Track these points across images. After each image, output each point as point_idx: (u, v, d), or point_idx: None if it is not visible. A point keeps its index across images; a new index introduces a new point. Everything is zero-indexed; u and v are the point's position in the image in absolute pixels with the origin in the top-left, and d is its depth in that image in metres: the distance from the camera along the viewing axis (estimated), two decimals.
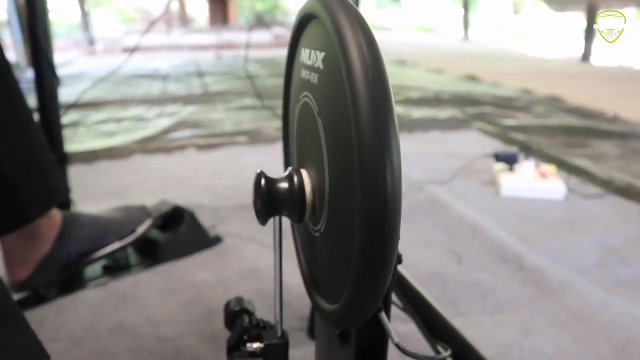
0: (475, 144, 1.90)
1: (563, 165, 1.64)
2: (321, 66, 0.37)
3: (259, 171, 0.41)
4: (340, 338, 0.43)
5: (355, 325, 0.40)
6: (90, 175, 1.61)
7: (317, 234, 0.41)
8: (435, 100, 2.73)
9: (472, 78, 3.53)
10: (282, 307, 0.47)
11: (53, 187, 0.90)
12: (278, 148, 1.85)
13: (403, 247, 1.17)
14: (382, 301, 0.41)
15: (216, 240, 1.11)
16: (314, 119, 0.39)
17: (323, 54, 0.36)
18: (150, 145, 1.90)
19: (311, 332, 0.82)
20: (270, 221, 0.43)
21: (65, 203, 1.07)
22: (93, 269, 1.02)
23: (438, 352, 0.51)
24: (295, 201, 0.40)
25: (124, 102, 2.70)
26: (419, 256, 1.07)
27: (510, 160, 1.49)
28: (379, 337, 0.44)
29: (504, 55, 5.31)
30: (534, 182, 1.41)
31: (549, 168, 1.47)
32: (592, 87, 3.27)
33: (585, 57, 4.55)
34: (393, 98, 0.31)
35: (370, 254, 0.31)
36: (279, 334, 0.47)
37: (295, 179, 0.40)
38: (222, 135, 2.03)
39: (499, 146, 1.84)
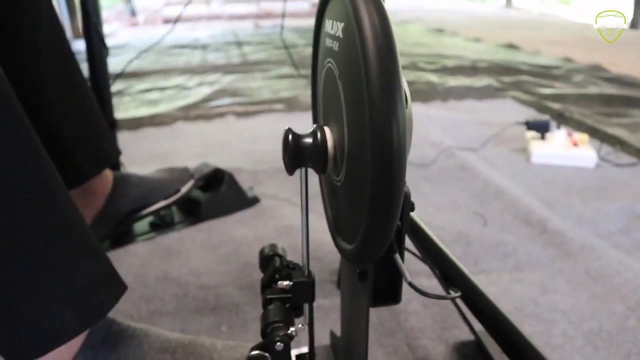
0: (509, 112, 1.90)
1: (597, 134, 1.64)
2: (341, 35, 0.42)
3: (287, 128, 0.46)
4: (360, 276, 0.49)
5: (369, 262, 0.45)
6: (136, 141, 1.70)
7: (339, 184, 0.46)
8: (472, 69, 2.72)
9: (511, 47, 3.47)
10: (309, 250, 0.53)
11: (106, 149, 0.98)
12: None
13: (431, 209, 1.23)
14: (396, 244, 0.47)
15: (254, 201, 1.19)
16: (335, 82, 0.44)
17: (342, 24, 0.41)
18: (192, 113, 1.98)
19: (340, 285, 0.89)
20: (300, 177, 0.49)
21: (114, 166, 1.15)
22: (141, 225, 1.11)
23: (449, 293, 0.57)
24: (318, 154, 0.45)
25: (166, 72, 2.80)
26: (446, 218, 1.11)
27: (542, 129, 1.51)
28: (394, 277, 0.49)
29: (548, 23, 5.17)
30: (564, 150, 1.43)
31: (581, 136, 1.48)
32: (638, 55, 3.18)
33: (634, 24, 4.38)
34: (400, 63, 0.36)
35: (378, 197, 0.37)
36: (306, 273, 0.53)
37: (319, 134, 0.46)
38: (260, 103, 2.09)
39: (533, 115, 1.84)
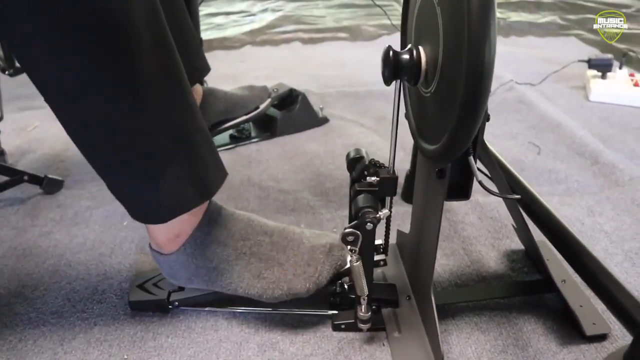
0: (571, 50, 1.91)
1: None
2: None
3: (387, 45, 0.55)
4: (438, 173, 0.59)
5: (453, 158, 0.55)
6: (209, 62, 1.80)
7: (428, 95, 0.56)
8: (536, 5, 2.67)
9: None
10: (395, 152, 0.63)
11: (198, 65, 1.09)
12: (376, 44, 1.96)
13: (489, 137, 1.30)
14: (472, 148, 0.57)
15: (324, 120, 1.29)
16: (433, 8, 0.53)
17: None
18: (259, 38, 2.07)
19: (404, 196, 1.00)
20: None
21: (200, 82, 1.27)
22: (222, 137, 1.24)
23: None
24: (413, 69, 0.54)
25: None
26: (502, 145, 1.19)
27: (604, 67, 1.53)
28: (467, 176, 0.59)
29: None
30: (624, 89, 1.45)
31: None
32: None
33: None
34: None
35: (470, 100, 0.46)
36: (391, 172, 0.63)
37: (415, 52, 0.55)
38: (324, 31, 2.16)
39: (596, 55, 1.84)
